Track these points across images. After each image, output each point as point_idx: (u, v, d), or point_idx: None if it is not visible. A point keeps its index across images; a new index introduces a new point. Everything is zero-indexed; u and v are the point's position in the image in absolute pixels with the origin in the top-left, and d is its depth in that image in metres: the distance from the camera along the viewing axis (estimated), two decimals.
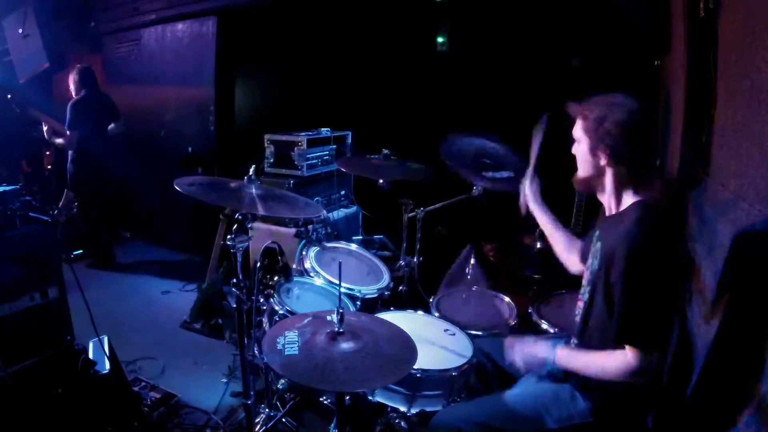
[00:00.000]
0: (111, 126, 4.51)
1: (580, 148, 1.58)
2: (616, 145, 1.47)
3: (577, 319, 1.67)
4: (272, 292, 2.23)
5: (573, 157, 1.65)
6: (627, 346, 1.41)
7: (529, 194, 2.01)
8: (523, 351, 1.67)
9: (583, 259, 1.83)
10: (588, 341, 1.59)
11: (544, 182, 2.04)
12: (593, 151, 1.53)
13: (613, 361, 1.44)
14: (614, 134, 1.47)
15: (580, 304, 1.66)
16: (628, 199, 1.53)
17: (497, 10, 4.07)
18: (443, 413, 1.76)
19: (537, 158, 2.06)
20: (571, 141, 1.63)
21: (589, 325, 1.59)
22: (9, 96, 4.27)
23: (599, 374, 1.48)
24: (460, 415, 1.68)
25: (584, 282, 1.65)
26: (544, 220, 1.98)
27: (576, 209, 2.80)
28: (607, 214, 1.61)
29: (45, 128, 4.24)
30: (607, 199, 1.59)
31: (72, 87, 4.33)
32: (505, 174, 2.53)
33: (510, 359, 1.70)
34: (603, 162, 1.52)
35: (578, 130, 1.58)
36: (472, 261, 2.62)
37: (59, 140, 4.28)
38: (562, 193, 2.75)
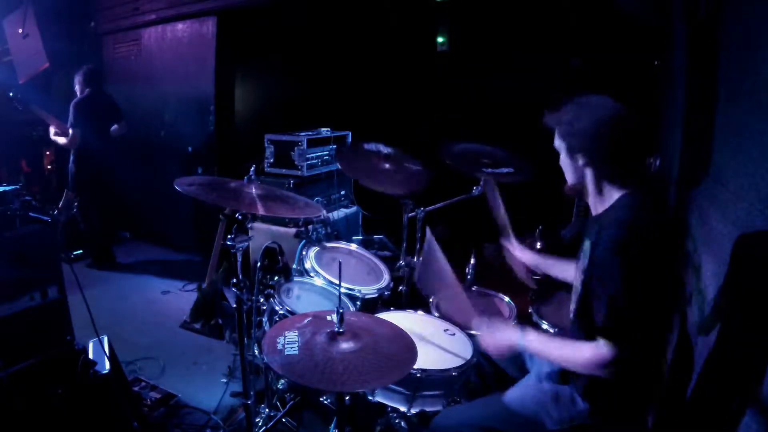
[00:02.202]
0: (114, 126, 4.51)
1: (562, 156, 1.58)
2: (590, 145, 1.48)
3: (570, 318, 1.66)
4: (272, 292, 2.23)
5: None
6: (600, 337, 1.38)
7: (522, 256, 2.01)
8: (493, 337, 1.66)
9: None
10: (577, 337, 1.59)
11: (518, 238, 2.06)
12: (571, 154, 1.53)
13: (585, 351, 1.41)
14: (586, 133, 1.47)
15: (572, 305, 1.65)
16: (613, 195, 1.51)
17: (497, 10, 4.07)
18: (443, 416, 1.76)
19: (505, 217, 2.05)
20: (557, 155, 1.63)
21: (578, 321, 1.58)
22: (11, 93, 4.26)
23: (568, 362, 1.47)
24: (460, 417, 1.68)
25: (576, 282, 1.65)
26: (555, 268, 1.97)
27: (576, 211, 2.81)
28: (593, 214, 1.60)
29: (52, 130, 4.24)
30: (591, 200, 1.58)
31: (77, 87, 4.33)
32: (504, 170, 2.54)
33: (483, 347, 1.70)
34: (581, 163, 1.52)
35: (556, 139, 1.59)
36: (472, 261, 2.62)
37: (62, 139, 4.28)
38: (561, 196, 2.76)
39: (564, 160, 1.58)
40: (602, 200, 1.54)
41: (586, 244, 1.57)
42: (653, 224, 1.43)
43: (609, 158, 1.48)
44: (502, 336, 1.65)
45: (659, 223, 1.46)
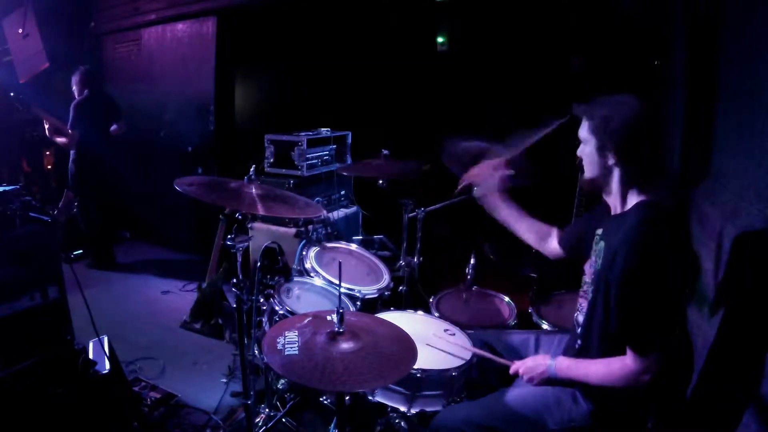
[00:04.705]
0: (113, 126, 4.52)
1: (587, 149, 1.56)
2: (624, 145, 1.47)
3: (580, 317, 1.66)
4: (272, 292, 2.23)
5: (572, 161, 1.64)
6: (627, 348, 1.42)
7: (489, 181, 1.94)
8: (525, 365, 1.69)
9: (563, 243, 1.85)
10: (589, 340, 1.59)
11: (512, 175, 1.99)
12: (601, 151, 1.51)
13: (614, 368, 1.45)
14: (622, 133, 1.45)
15: (583, 303, 1.65)
16: (633, 198, 1.52)
17: (497, 9, 4.07)
18: (443, 414, 1.76)
19: (525, 150, 1.99)
20: (577, 143, 1.61)
21: (591, 324, 1.59)
22: (12, 94, 4.26)
23: (601, 382, 1.50)
24: (460, 416, 1.68)
25: (587, 279, 1.65)
26: (505, 212, 1.93)
27: (575, 212, 2.80)
28: (612, 213, 1.60)
29: (47, 126, 4.24)
30: (612, 199, 1.58)
31: (75, 87, 4.33)
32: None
33: (513, 372, 1.73)
34: (611, 162, 1.50)
35: (585, 131, 1.56)
36: (472, 261, 2.62)
37: (61, 139, 4.28)
38: (560, 197, 2.77)
39: (589, 154, 1.55)
40: (623, 201, 1.54)
41: (601, 245, 1.57)
42: (668, 244, 1.43)
43: (639, 160, 1.49)
44: (533, 364, 1.67)
45: (674, 240, 1.46)
